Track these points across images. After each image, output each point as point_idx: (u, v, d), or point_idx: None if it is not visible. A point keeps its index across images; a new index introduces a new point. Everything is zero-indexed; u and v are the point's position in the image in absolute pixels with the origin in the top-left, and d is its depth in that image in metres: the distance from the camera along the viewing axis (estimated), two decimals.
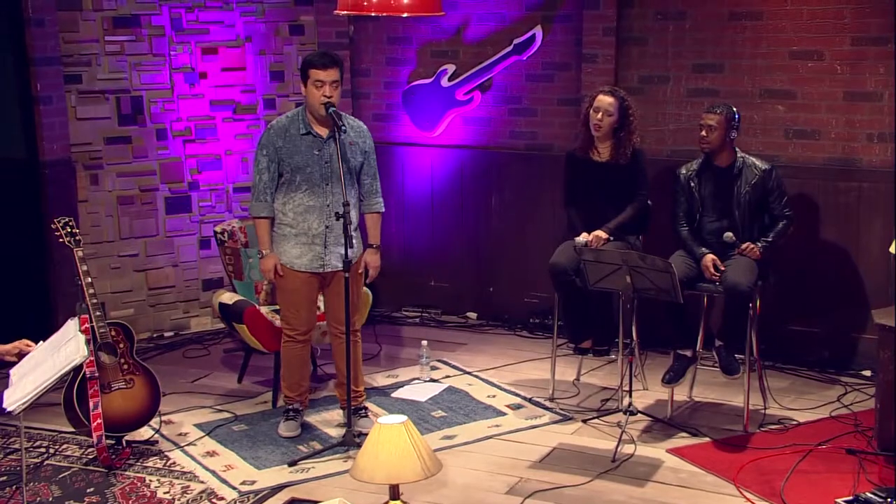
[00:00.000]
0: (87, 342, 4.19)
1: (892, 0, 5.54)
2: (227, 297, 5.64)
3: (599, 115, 5.42)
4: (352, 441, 4.88)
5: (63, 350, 4.11)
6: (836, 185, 5.85)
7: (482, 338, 6.61)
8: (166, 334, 6.69)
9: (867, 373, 5.78)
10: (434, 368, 5.98)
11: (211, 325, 6.76)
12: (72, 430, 4.99)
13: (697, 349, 5.38)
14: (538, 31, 6.48)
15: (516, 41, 6.53)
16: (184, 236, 6.69)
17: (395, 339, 6.59)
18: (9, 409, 3.88)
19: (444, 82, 6.76)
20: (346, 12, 4.68)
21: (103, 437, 4.71)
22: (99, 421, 4.68)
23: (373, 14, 4.52)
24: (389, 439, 3.36)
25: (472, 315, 6.96)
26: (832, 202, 5.86)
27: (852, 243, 5.85)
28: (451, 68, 6.74)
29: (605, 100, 5.43)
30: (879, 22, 5.64)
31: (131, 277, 6.57)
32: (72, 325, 4.28)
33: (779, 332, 5.89)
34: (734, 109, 5.25)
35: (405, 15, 4.82)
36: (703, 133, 5.23)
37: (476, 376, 5.93)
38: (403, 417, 3.45)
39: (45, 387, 3.96)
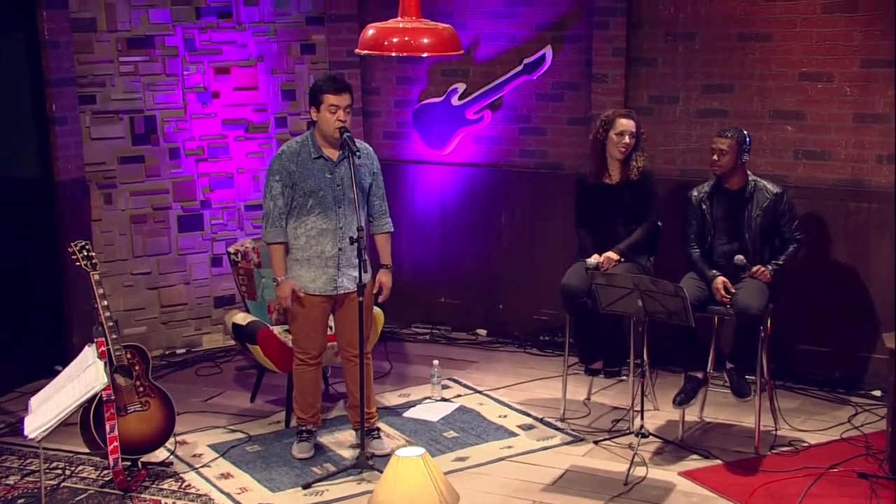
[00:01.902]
0: (106, 367, 4.24)
1: None
2: (241, 318, 5.67)
3: (627, 139, 5.44)
4: (365, 463, 4.91)
5: (82, 377, 4.16)
6: (845, 206, 5.88)
7: (492, 355, 6.64)
8: (178, 352, 6.73)
9: (877, 393, 5.80)
10: (445, 387, 6.01)
11: (223, 343, 6.79)
12: (87, 451, 5.02)
13: (708, 370, 5.41)
14: (548, 50, 6.51)
15: (526, 61, 6.56)
16: (196, 254, 6.73)
17: (405, 356, 6.62)
18: (30, 436, 3.94)
19: (455, 101, 6.79)
20: (366, 52, 4.68)
21: (119, 460, 4.74)
22: (115, 444, 4.70)
23: (393, 54, 4.52)
24: (408, 472, 3.39)
25: (482, 332, 6.99)
26: (841, 223, 5.89)
27: (861, 264, 5.87)
28: (461, 87, 6.77)
29: (629, 123, 5.45)
30: (889, 44, 5.67)
31: (144, 295, 6.61)
32: (90, 352, 4.34)
33: (789, 351, 5.92)
34: (745, 133, 5.27)
35: (425, 55, 4.79)
36: (715, 157, 5.25)
37: (487, 395, 5.95)
38: (421, 450, 3.48)
39: (66, 414, 4.01)
